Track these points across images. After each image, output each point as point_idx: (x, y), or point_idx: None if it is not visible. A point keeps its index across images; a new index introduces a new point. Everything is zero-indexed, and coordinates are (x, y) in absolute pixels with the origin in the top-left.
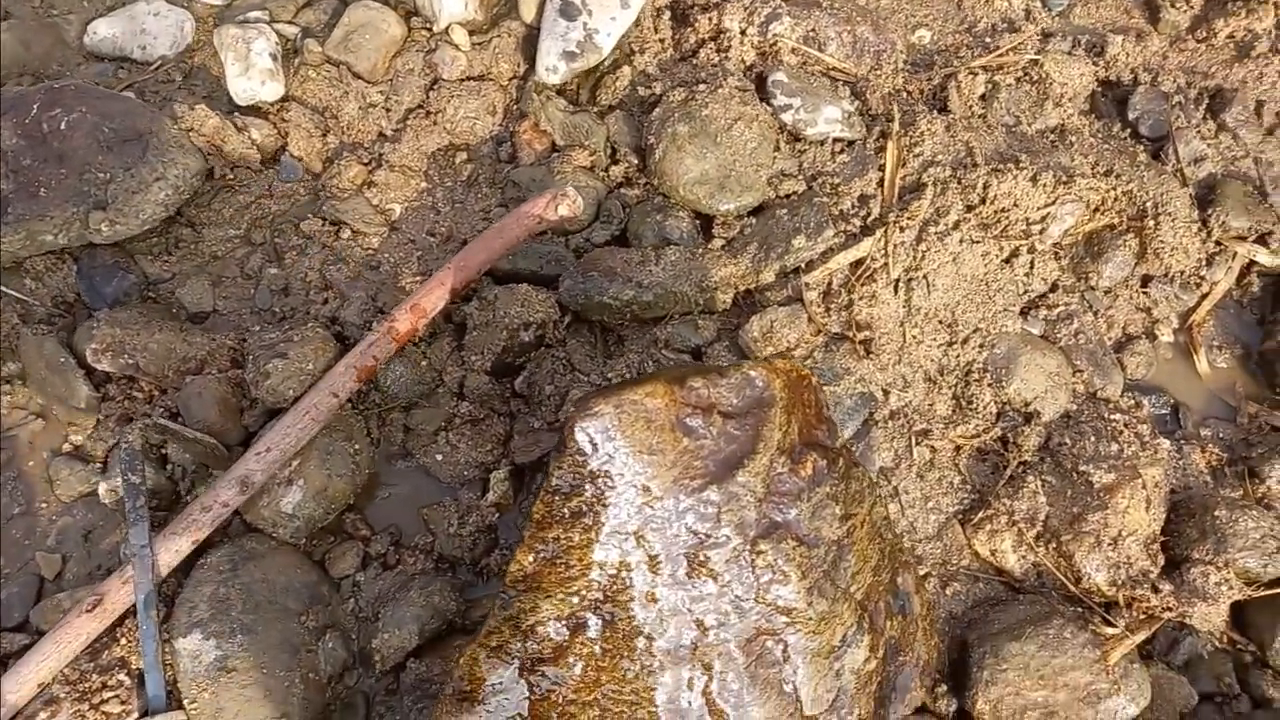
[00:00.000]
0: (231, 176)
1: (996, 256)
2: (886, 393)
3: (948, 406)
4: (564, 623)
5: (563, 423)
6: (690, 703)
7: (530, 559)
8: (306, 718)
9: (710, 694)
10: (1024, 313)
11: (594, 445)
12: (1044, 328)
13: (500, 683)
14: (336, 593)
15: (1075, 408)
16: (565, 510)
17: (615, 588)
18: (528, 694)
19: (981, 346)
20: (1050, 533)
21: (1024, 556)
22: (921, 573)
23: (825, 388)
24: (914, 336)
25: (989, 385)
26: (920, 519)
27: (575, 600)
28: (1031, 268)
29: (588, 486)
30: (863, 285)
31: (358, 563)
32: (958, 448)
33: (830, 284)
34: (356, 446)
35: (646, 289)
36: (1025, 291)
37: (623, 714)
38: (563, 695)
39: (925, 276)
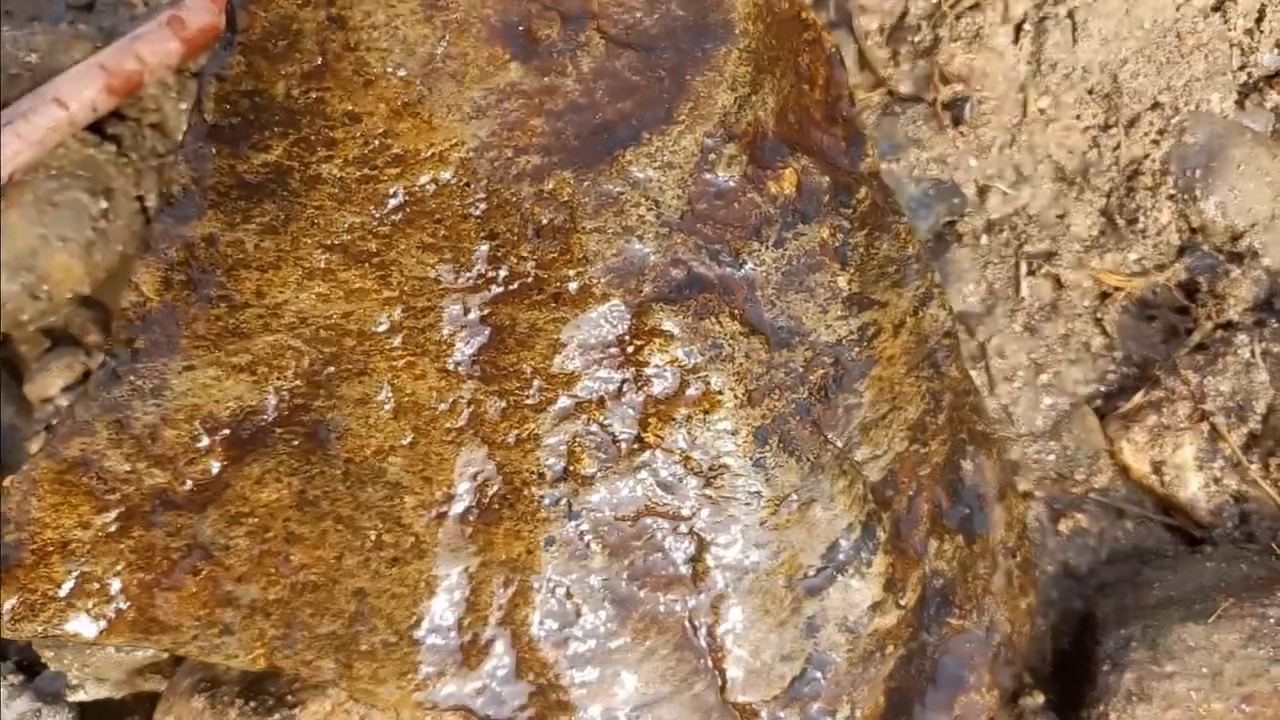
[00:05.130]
0: None
1: None
2: (984, 190)
3: (1092, 224)
4: (218, 428)
5: None
6: (479, 638)
7: (157, 282)
8: None
9: (523, 628)
10: (1241, 96)
11: (285, 32)
12: (1273, 122)
13: (80, 541)
14: (28, 422)
15: None
16: (228, 164)
17: (331, 370)
18: (133, 570)
19: (1162, 134)
20: (1276, 437)
21: (1218, 478)
22: (1019, 488)
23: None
24: (1042, 108)
25: (1170, 198)
26: (1024, 401)
27: (245, 380)
28: (1260, 22)
29: (262, 126)
30: (960, 18)
31: (71, 381)
32: (1104, 292)
33: (904, 12)
34: (106, 207)
35: None
36: (1245, 63)
37: (334, 643)
38: (214, 581)
39: (1071, 15)
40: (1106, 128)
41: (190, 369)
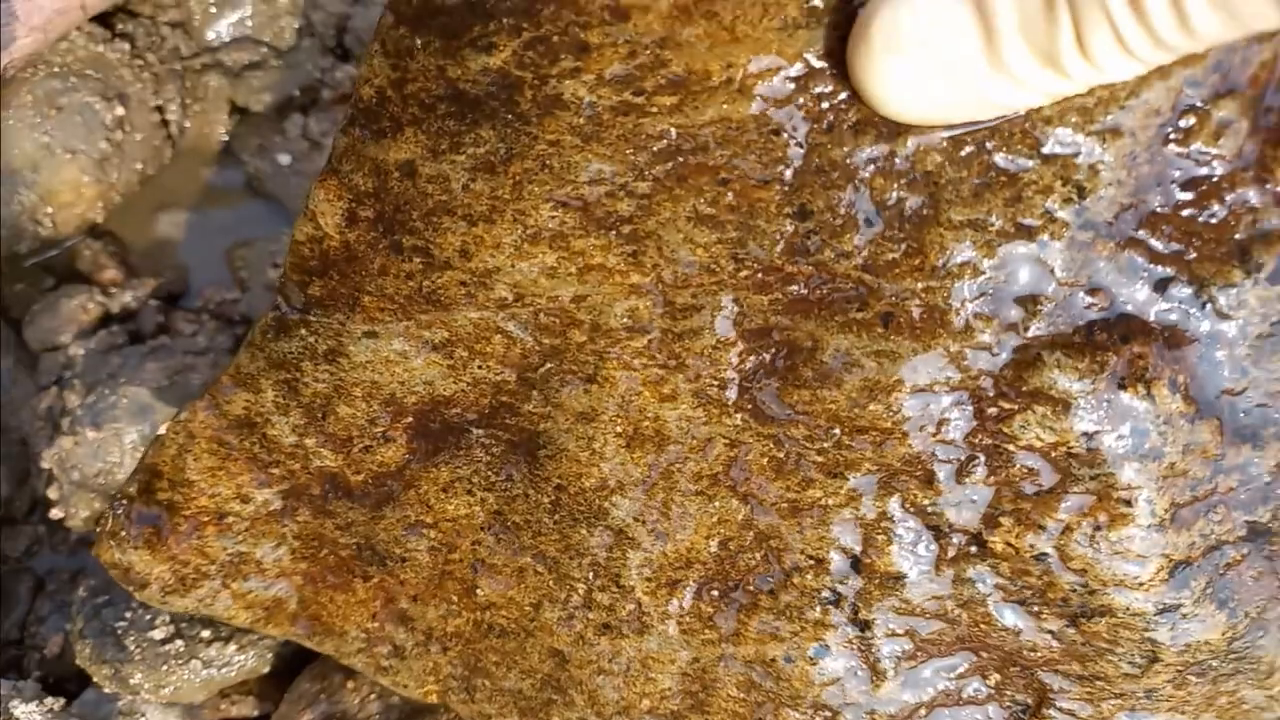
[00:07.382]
0: None
1: None
2: None
3: None
4: (401, 414)
5: None
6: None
7: (338, 214)
8: None
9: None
10: None
11: None
12: None
13: (239, 516)
14: (30, 375)
15: None
16: (436, 65)
17: (550, 367)
18: (296, 558)
19: None
20: None
21: None
22: None
23: None
24: None
25: None
26: None
27: (438, 363)
28: None
29: (486, 12)
30: None
31: (88, 324)
32: None
33: None
34: (122, 115)
35: None
36: None
37: (520, 703)
38: (385, 593)
39: None
40: None
41: (372, 336)
